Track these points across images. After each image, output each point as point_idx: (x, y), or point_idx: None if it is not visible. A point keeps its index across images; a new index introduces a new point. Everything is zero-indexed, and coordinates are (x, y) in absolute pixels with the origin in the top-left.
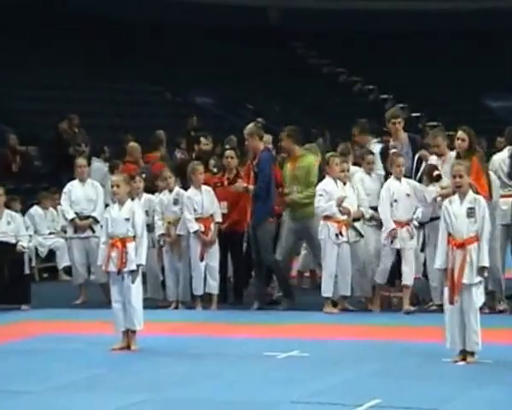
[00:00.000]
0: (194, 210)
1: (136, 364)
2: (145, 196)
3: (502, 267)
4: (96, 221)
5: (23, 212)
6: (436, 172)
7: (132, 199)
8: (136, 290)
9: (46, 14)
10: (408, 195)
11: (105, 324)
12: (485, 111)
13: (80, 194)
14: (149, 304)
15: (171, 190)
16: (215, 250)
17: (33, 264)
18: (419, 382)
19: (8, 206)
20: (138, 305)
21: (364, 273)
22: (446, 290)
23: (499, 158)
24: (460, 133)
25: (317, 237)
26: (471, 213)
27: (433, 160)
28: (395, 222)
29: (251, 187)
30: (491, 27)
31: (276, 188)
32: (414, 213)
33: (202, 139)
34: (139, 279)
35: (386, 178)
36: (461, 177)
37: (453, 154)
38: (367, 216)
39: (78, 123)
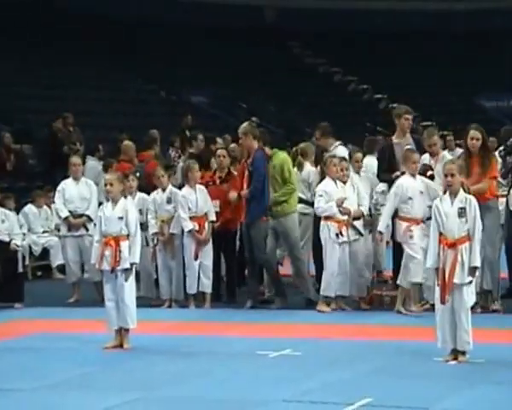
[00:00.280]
0: (189, 209)
1: (129, 362)
2: (139, 194)
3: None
4: (90, 219)
5: (17, 210)
6: (430, 173)
7: (125, 197)
8: (130, 289)
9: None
10: (421, 192)
11: (98, 322)
12: (479, 111)
13: (74, 192)
14: (142, 303)
15: (164, 189)
16: (209, 249)
17: (27, 262)
18: (410, 381)
19: (2, 204)
20: (132, 303)
21: (362, 273)
22: (437, 290)
23: None
24: (475, 133)
25: (292, 235)
26: (462, 213)
27: (425, 159)
28: (410, 220)
29: (243, 192)
30: (485, 28)
31: None
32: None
33: (218, 139)
34: (132, 278)
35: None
36: (452, 176)
37: (446, 153)
38: (367, 215)
39: (73, 122)
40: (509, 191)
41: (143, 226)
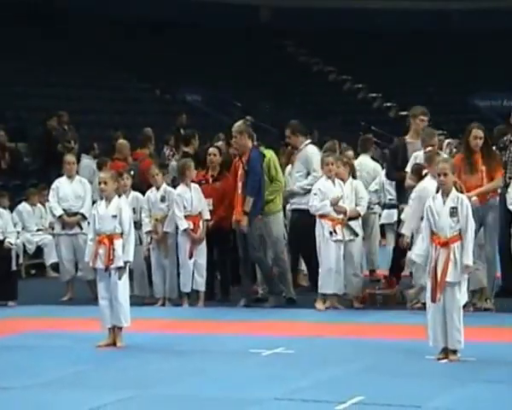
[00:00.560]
0: (184, 207)
1: (123, 361)
2: (132, 193)
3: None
4: (84, 218)
5: (11, 208)
6: (425, 171)
7: (119, 196)
8: (123, 287)
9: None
10: None
11: (92, 320)
12: (473, 110)
13: (68, 190)
14: (136, 301)
15: (158, 188)
16: (203, 247)
17: (21, 260)
18: (402, 379)
19: None
20: (125, 302)
21: (357, 273)
22: (429, 288)
23: None
24: (477, 131)
25: (276, 234)
26: (454, 212)
27: (420, 158)
28: None
29: (242, 223)
30: (479, 28)
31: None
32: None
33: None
34: (126, 276)
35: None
36: (445, 175)
37: (441, 152)
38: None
39: (68, 120)
40: (506, 189)
41: (137, 225)
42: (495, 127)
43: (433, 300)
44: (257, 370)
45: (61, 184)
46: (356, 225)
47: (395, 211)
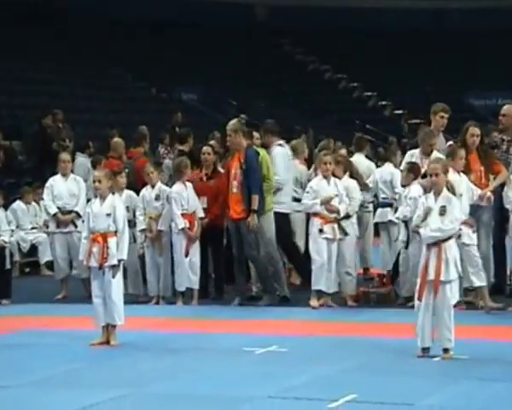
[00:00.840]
0: (181, 206)
1: (116, 359)
2: (126, 192)
3: None
4: (79, 216)
5: (5, 206)
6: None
7: (113, 194)
8: (117, 285)
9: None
10: (468, 188)
11: (86, 319)
12: (468, 109)
13: (63, 189)
14: (130, 299)
15: (153, 186)
16: (196, 245)
17: (15, 259)
18: (395, 377)
19: None
20: (119, 300)
21: (349, 271)
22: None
23: None
24: (474, 129)
25: (268, 233)
26: (443, 211)
27: (416, 157)
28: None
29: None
30: (474, 26)
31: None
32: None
33: (255, 134)
34: (120, 274)
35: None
36: (437, 175)
37: (436, 152)
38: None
39: (63, 118)
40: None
41: (131, 223)
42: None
43: (419, 298)
44: (250, 368)
45: (55, 182)
46: (347, 224)
47: (389, 209)
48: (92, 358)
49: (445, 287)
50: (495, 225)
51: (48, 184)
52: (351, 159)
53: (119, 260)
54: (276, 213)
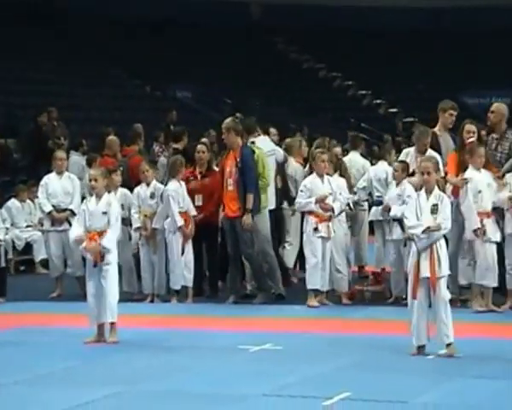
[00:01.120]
0: (178, 203)
1: (111, 357)
2: (121, 190)
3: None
4: (73, 214)
5: (0, 204)
6: (411, 169)
7: (109, 192)
8: (112, 283)
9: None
10: (489, 185)
11: (81, 316)
12: (462, 108)
13: (57, 187)
14: (125, 297)
15: (148, 184)
16: (190, 243)
17: (10, 257)
18: (389, 375)
19: None
20: (113, 297)
21: (339, 268)
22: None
23: None
24: (470, 126)
25: (263, 231)
26: (435, 209)
27: (411, 155)
28: (481, 213)
29: (246, 220)
30: (468, 26)
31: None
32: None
33: (272, 130)
34: (115, 272)
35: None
36: (429, 174)
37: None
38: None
39: (57, 116)
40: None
41: (126, 221)
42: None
43: (414, 296)
44: (245, 366)
45: (50, 180)
46: (335, 222)
47: None
48: (87, 355)
49: (440, 283)
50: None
51: (42, 182)
52: (346, 157)
53: (104, 248)
54: None
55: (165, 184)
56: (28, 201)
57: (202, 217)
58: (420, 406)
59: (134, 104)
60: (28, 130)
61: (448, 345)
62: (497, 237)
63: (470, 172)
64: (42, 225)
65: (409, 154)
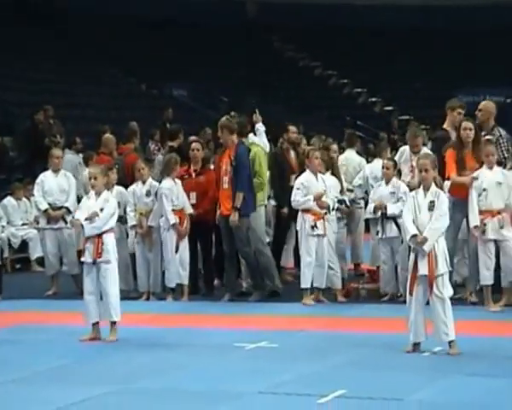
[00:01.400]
0: (171, 201)
1: (107, 355)
2: (116, 188)
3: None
4: (69, 212)
5: None
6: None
7: (108, 190)
8: (114, 282)
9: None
10: (500, 183)
11: (76, 314)
12: None
13: (53, 184)
14: (120, 295)
15: (144, 182)
16: (185, 241)
17: (6, 255)
18: (385, 372)
19: None
20: (115, 296)
21: (331, 266)
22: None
23: None
24: (467, 123)
25: (257, 229)
26: (432, 206)
27: (407, 153)
28: (484, 212)
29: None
30: (463, 24)
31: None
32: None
33: (291, 127)
34: (116, 271)
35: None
36: (426, 171)
37: (425, 148)
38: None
39: (53, 114)
40: None
41: (122, 219)
42: None
43: (411, 293)
44: (241, 363)
45: (45, 178)
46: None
47: None
48: (82, 354)
49: (437, 281)
50: None
51: (38, 180)
52: (342, 155)
53: (81, 224)
54: None
55: (160, 182)
56: (24, 199)
57: (196, 215)
58: (415, 403)
59: (130, 102)
60: (24, 128)
61: (450, 343)
62: (499, 236)
63: (480, 171)
64: (38, 223)
65: (404, 152)
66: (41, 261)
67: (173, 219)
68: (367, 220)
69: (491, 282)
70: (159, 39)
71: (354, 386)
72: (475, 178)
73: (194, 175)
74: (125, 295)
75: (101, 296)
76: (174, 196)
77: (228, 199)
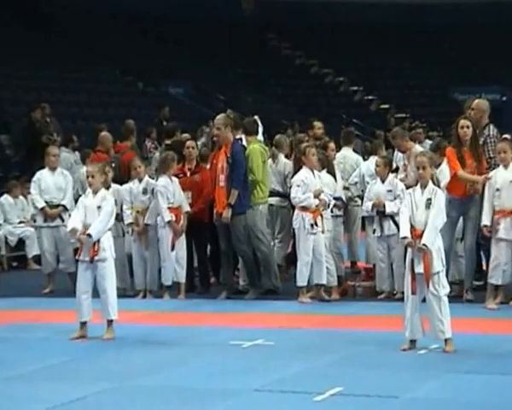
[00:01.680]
0: (167, 199)
1: (104, 352)
2: (113, 186)
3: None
4: (66, 209)
5: None
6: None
7: (106, 188)
8: (111, 280)
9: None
10: None
11: (73, 312)
12: (452, 104)
13: (50, 182)
14: (117, 293)
15: (140, 180)
16: (182, 239)
17: (2, 253)
18: (380, 370)
19: None
20: (113, 295)
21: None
22: (407, 280)
23: None
24: (464, 121)
25: (255, 227)
26: (429, 204)
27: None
28: (498, 211)
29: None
30: (459, 22)
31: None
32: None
33: (316, 123)
34: (112, 268)
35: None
36: (424, 168)
37: (417, 146)
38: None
39: (50, 112)
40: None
41: (118, 217)
42: None
43: (413, 292)
44: (237, 361)
45: (42, 176)
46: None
47: None
48: (79, 352)
49: (433, 279)
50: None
51: (35, 178)
52: (339, 153)
53: (88, 234)
54: None
55: (156, 180)
56: (21, 197)
57: (192, 214)
58: (411, 401)
59: (127, 100)
60: (21, 126)
61: (446, 341)
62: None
63: (497, 170)
64: (34, 221)
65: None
66: (38, 259)
67: (168, 216)
68: (362, 218)
69: (498, 282)
70: (155, 37)
71: (350, 384)
72: (488, 179)
73: (189, 174)
74: (122, 293)
75: (99, 294)
76: (170, 193)
77: (224, 197)
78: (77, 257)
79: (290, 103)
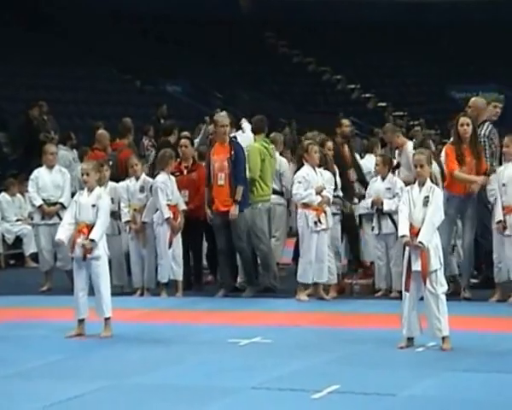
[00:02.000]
0: (166, 195)
1: (101, 350)
2: (110, 183)
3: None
4: (64, 207)
5: None
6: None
7: (101, 186)
8: (105, 278)
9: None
10: None
11: (70, 310)
12: (449, 102)
13: (47, 180)
14: (114, 291)
15: (137, 178)
16: (179, 237)
17: (0, 250)
18: (378, 368)
19: None
20: (107, 292)
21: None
22: (403, 278)
23: None
24: (464, 119)
25: (253, 225)
26: (426, 202)
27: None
28: (504, 208)
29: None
30: (457, 20)
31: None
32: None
33: (344, 121)
34: (106, 266)
35: None
36: (422, 166)
37: (410, 143)
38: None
39: (47, 110)
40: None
41: (115, 215)
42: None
43: (407, 289)
44: (234, 359)
45: (40, 174)
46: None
47: None
48: (77, 349)
49: (431, 277)
50: (479, 219)
51: (33, 176)
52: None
53: (91, 240)
54: None
55: (154, 177)
56: (18, 195)
57: (189, 212)
58: (408, 398)
59: (125, 98)
60: (19, 124)
61: (443, 339)
62: None
63: (504, 166)
64: (32, 218)
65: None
66: (35, 257)
67: (168, 213)
68: (360, 216)
69: (505, 279)
70: (153, 36)
71: (348, 381)
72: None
73: (185, 172)
74: (119, 291)
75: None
76: (169, 190)
77: (225, 195)
78: (70, 254)
79: (287, 101)
